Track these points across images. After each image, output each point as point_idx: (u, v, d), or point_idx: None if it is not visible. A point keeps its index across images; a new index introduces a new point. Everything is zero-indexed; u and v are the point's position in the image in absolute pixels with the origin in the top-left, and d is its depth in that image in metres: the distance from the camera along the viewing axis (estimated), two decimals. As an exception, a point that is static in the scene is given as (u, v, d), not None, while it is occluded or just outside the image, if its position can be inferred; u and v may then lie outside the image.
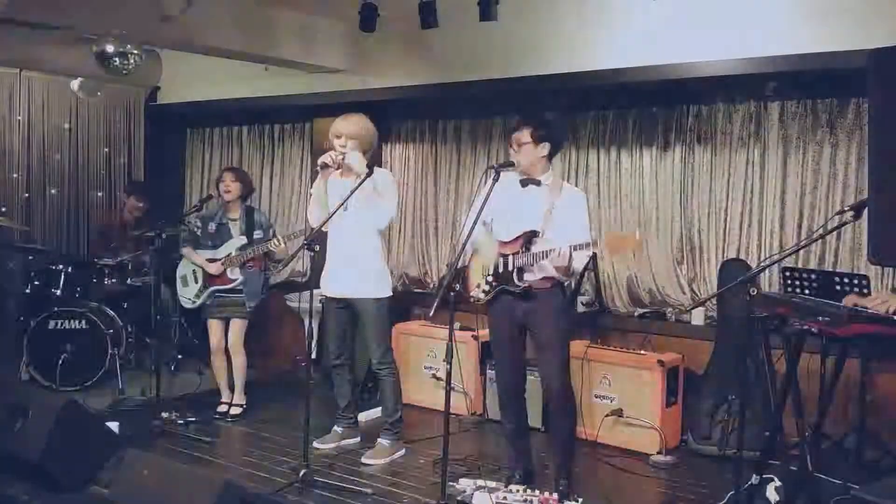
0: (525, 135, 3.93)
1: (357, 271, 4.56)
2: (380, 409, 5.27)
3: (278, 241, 5.14)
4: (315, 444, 4.68)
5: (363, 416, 5.40)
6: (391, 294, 4.69)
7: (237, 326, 5.39)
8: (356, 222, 4.52)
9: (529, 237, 3.91)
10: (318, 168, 4.55)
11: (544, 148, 3.99)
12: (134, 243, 6.45)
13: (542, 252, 3.82)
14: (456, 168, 6.58)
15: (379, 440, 4.71)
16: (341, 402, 4.88)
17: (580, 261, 3.88)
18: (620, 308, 5.78)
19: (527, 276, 3.93)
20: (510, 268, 3.94)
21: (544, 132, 3.96)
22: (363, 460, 4.59)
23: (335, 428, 4.87)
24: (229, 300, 5.35)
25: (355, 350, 4.91)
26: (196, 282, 5.40)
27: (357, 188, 4.35)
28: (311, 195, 4.75)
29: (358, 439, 4.90)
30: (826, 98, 4.98)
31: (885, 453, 4.42)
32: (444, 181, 6.63)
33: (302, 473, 4.12)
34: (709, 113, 5.42)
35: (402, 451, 4.73)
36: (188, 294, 5.44)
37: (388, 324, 4.73)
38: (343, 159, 4.48)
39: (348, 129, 4.54)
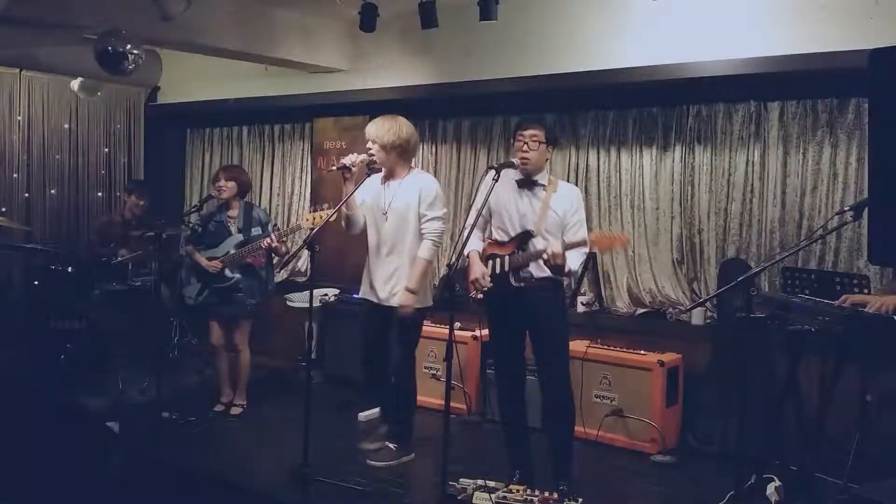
0: (541, 134, 3.95)
1: (395, 279, 4.49)
2: (379, 408, 5.28)
3: (271, 238, 5.12)
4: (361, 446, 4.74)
5: (363, 416, 5.41)
6: (426, 305, 4.56)
7: (240, 326, 5.40)
8: (395, 230, 4.48)
9: (524, 237, 3.92)
10: (336, 168, 4.47)
11: (549, 150, 4.04)
12: (134, 243, 6.45)
13: (536, 252, 3.83)
14: (456, 168, 6.57)
15: (387, 443, 4.69)
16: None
17: (576, 259, 3.88)
18: (620, 308, 5.77)
19: (523, 276, 3.94)
20: (506, 268, 3.94)
21: (553, 136, 4.06)
22: (368, 462, 4.59)
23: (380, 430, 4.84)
24: (230, 299, 5.34)
25: (389, 353, 4.77)
26: (198, 281, 5.41)
27: (354, 191, 4.35)
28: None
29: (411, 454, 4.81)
30: (826, 98, 4.98)
31: (885, 453, 4.42)
32: (444, 181, 6.62)
33: (302, 473, 4.12)
34: (709, 113, 5.42)
35: (411, 457, 4.68)
36: (190, 293, 5.45)
37: (416, 332, 4.61)
38: (360, 161, 4.41)
39: (372, 131, 4.48)
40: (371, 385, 4.79)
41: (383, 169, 4.48)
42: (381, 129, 4.46)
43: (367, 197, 4.53)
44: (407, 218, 4.46)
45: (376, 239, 4.56)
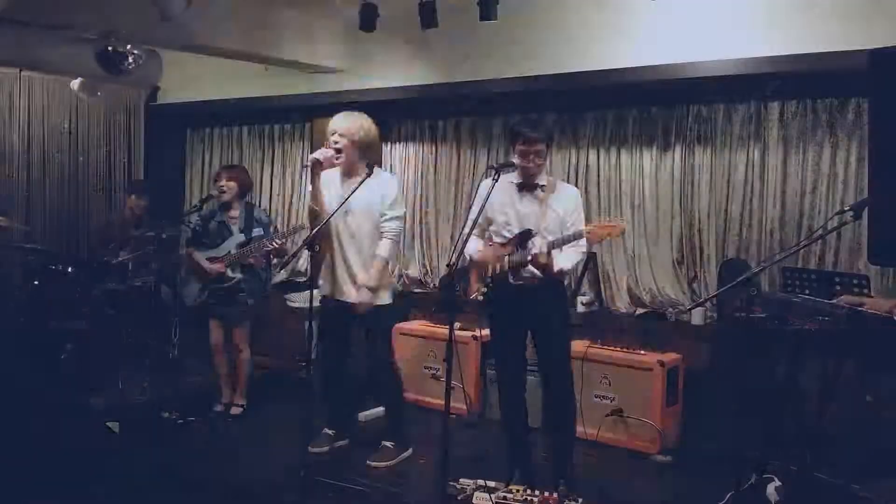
0: (544, 147, 3.95)
1: (360, 277, 4.50)
2: (380, 409, 5.27)
3: (276, 241, 5.12)
4: (309, 449, 4.63)
5: (363, 416, 5.41)
6: (387, 302, 4.63)
7: (240, 326, 5.39)
8: (360, 227, 4.48)
9: (524, 237, 3.92)
10: (307, 165, 4.49)
11: (548, 151, 4.04)
12: (134, 243, 6.44)
13: (529, 252, 3.83)
14: (456, 168, 6.57)
15: (384, 443, 4.69)
16: (338, 409, 4.86)
17: (570, 259, 3.88)
18: (620, 308, 5.77)
19: (524, 275, 3.94)
20: (506, 267, 3.94)
21: (551, 137, 4.05)
22: (369, 463, 4.57)
23: (326, 430, 4.84)
24: (230, 299, 5.34)
25: (350, 352, 4.86)
26: (197, 280, 5.41)
27: (357, 188, 4.28)
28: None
29: (347, 441, 4.89)
30: (826, 98, 4.98)
31: (885, 453, 4.41)
32: (444, 181, 6.63)
33: (302, 473, 4.12)
34: (709, 113, 5.42)
35: (409, 452, 4.71)
36: (189, 293, 5.45)
37: (390, 328, 4.74)
38: (335, 157, 4.42)
39: (342, 126, 4.46)
40: (328, 383, 4.78)
41: (342, 165, 4.46)
42: (354, 126, 4.45)
43: (328, 193, 4.47)
44: (370, 216, 4.46)
45: (338, 237, 4.52)
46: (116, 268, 6.31)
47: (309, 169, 4.47)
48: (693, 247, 5.54)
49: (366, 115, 4.60)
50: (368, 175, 4.35)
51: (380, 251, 4.48)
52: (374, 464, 4.56)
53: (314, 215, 4.48)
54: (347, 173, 4.50)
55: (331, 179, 4.54)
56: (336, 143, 4.43)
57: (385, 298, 4.59)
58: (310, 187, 4.51)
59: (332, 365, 4.75)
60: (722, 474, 4.18)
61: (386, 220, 4.47)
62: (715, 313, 5.29)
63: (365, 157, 4.49)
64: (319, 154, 4.42)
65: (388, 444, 4.67)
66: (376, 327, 4.60)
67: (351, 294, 4.51)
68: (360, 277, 4.46)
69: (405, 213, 4.59)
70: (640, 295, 5.71)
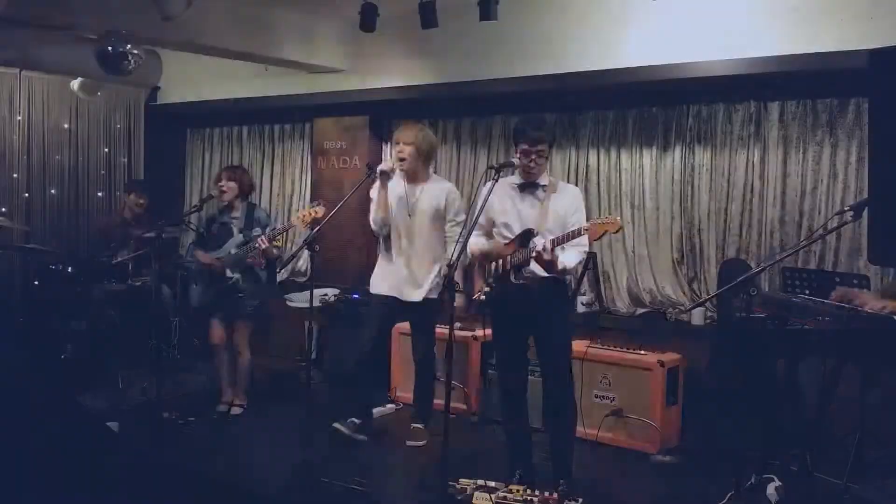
0: (546, 146, 3.96)
1: (417, 275, 4.80)
2: (389, 406, 5.61)
3: (262, 240, 5.11)
4: (336, 425, 4.82)
5: (376, 412, 5.41)
6: (437, 297, 4.87)
7: (240, 326, 5.39)
8: (420, 230, 4.79)
9: (525, 235, 3.92)
10: (377, 175, 4.75)
11: (550, 151, 4.04)
12: (134, 243, 6.45)
13: (531, 249, 3.83)
14: (456, 168, 6.57)
15: (416, 425, 4.98)
16: (366, 398, 5.04)
17: (572, 257, 3.88)
18: (620, 308, 5.78)
19: (525, 275, 3.94)
20: (507, 267, 3.95)
21: (552, 137, 4.07)
22: (409, 443, 4.89)
23: (353, 419, 4.93)
24: (232, 300, 5.34)
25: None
26: (201, 281, 5.40)
27: (359, 185, 4.64)
28: (371, 200, 4.91)
29: (366, 437, 4.96)
30: (826, 98, 4.98)
31: (885, 453, 4.42)
32: (444, 181, 6.62)
33: (302, 474, 4.12)
34: (709, 113, 5.42)
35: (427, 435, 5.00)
36: (194, 294, 5.45)
37: (435, 323, 5.00)
38: (401, 165, 4.73)
39: (408, 137, 4.75)
40: (362, 371, 4.96)
41: (402, 172, 4.77)
42: (419, 137, 4.77)
43: (393, 198, 4.81)
44: (433, 219, 4.79)
45: (400, 238, 4.83)
46: (116, 268, 6.32)
47: (377, 178, 4.77)
48: (693, 247, 5.54)
49: (423, 125, 4.99)
50: (368, 175, 4.68)
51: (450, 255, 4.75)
52: (412, 444, 4.88)
53: (384, 222, 4.82)
54: (411, 179, 4.81)
55: (395, 185, 4.83)
56: (401, 151, 4.74)
57: (434, 293, 4.83)
58: (374, 197, 4.82)
59: (369, 358, 4.91)
60: (722, 474, 4.19)
61: (453, 226, 4.79)
62: (715, 313, 5.29)
63: (427, 164, 4.85)
64: (384, 166, 4.79)
65: (418, 425, 4.97)
66: (426, 318, 4.92)
67: (411, 294, 4.80)
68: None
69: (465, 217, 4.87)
70: (640, 295, 5.72)
